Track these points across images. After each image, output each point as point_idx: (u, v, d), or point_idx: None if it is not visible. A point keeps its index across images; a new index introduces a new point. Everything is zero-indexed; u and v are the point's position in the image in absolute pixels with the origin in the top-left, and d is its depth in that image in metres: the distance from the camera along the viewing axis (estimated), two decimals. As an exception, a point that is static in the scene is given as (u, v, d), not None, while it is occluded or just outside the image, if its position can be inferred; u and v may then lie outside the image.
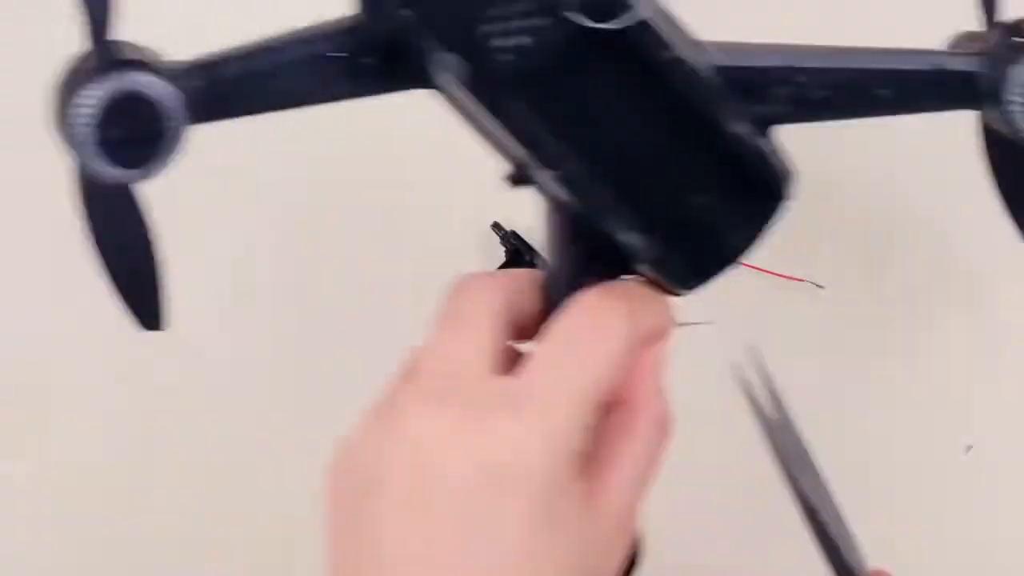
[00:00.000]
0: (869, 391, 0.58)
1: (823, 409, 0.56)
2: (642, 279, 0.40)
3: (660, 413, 0.40)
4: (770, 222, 0.39)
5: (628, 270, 0.40)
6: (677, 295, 0.40)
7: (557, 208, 0.40)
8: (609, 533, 0.39)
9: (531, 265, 0.66)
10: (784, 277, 0.58)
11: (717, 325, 0.54)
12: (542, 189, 0.39)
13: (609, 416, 0.40)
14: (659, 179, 0.38)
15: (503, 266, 0.67)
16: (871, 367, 0.58)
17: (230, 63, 0.36)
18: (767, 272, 0.58)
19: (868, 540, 0.52)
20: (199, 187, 0.54)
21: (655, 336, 0.40)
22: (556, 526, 0.37)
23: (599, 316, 0.39)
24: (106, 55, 0.34)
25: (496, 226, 0.67)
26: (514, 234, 0.67)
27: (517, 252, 0.67)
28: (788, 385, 0.48)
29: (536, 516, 0.36)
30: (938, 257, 0.59)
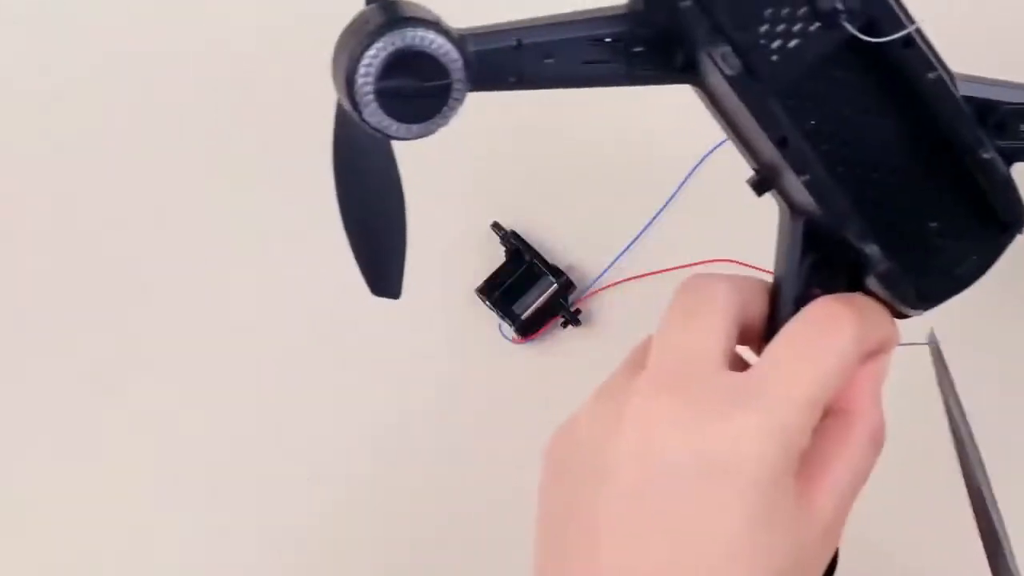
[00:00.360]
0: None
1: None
2: (870, 295, 0.40)
3: (876, 424, 0.41)
4: (1003, 251, 0.40)
5: (857, 286, 0.40)
6: (902, 316, 0.41)
7: (796, 215, 0.40)
8: (819, 536, 0.39)
9: (531, 265, 0.66)
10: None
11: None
12: (786, 194, 0.39)
13: (826, 422, 0.40)
14: (901, 196, 0.39)
15: (503, 266, 0.67)
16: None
17: (506, 35, 0.37)
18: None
19: (867, 541, 0.53)
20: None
21: (880, 348, 0.40)
22: (773, 523, 0.37)
23: (833, 322, 0.39)
24: (392, 11, 0.35)
25: (496, 226, 0.67)
26: (514, 234, 0.67)
27: (517, 252, 0.67)
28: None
29: (755, 511, 0.37)
30: None
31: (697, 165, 0.66)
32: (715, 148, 0.65)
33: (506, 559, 0.48)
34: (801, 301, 0.39)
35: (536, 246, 0.67)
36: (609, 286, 0.67)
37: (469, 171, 0.66)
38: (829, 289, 0.40)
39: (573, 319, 0.66)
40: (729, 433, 0.37)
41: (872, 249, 0.39)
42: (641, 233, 0.67)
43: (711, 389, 0.38)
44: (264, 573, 0.67)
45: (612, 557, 0.37)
